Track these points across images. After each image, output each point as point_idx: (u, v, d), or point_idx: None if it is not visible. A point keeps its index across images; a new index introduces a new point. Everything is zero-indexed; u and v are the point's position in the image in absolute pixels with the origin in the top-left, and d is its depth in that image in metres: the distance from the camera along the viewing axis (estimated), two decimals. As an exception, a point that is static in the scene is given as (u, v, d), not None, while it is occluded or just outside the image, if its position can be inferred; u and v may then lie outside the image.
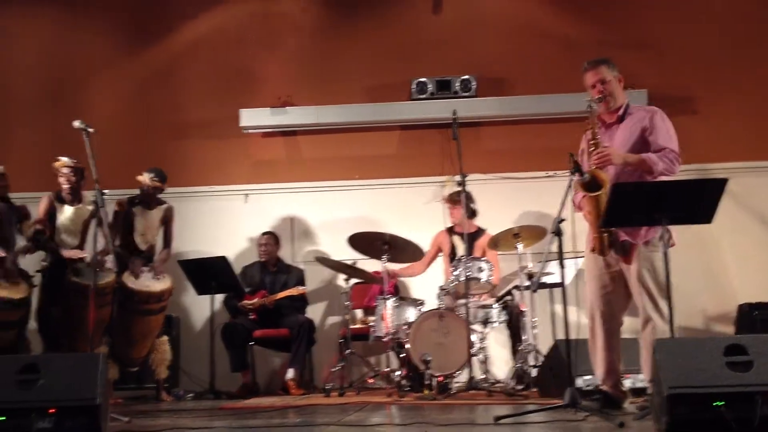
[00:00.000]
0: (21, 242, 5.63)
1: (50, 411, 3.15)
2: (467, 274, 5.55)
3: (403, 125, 7.24)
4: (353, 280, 6.18)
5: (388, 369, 5.70)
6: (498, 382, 5.62)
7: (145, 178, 6.01)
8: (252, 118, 7.16)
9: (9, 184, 5.45)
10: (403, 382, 5.40)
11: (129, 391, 6.18)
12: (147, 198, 6.08)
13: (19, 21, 7.48)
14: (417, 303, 5.91)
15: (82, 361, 3.39)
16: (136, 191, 6.11)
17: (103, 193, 4.50)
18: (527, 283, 5.70)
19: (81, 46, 7.46)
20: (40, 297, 5.52)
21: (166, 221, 6.19)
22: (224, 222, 7.19)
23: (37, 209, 5.70)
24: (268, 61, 7.40)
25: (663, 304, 3.87)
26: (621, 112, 4.18)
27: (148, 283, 5.84)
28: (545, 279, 5.72)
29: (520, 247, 5.78)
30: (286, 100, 7.20)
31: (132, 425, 3.86)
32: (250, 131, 7.24)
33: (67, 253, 5.53)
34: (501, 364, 6.25)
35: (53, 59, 7.45)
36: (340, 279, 6.25)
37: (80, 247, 5.73)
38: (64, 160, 5.68)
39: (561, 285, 4.10)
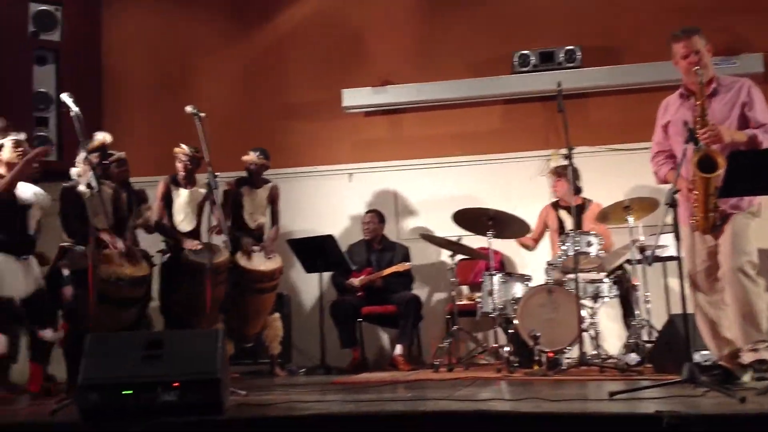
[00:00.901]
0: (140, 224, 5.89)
1: (174, 384, 3.27)
2: (576, 248, 5.45)
3: (506, 99, 7.14)
4: (458, 257, 6.17)
5: (497, 345, 5.68)
6: (610, 357, 5.51)
7: (251, 156, 6.18)
8: (354, 97, 7.22)
9: (129, 169, 5.68)
10: (512, 357, 5.37)
11: (244, 366, 6.37)
12: (253, 177, 6.24)
13: (133, 13, 7.75)
14: (524, 278, 5.85)
15: (202, 337, 3.53)
16: (243, 173, 6.28)
17: (216, 176, 4.64)
18: (639, 257, 5.56)
19: (190, 34, 7.69)
20: (161, 276, 5.76)
21: (273, 200, 6.35)
22: (329, 201, 7.30)
23: (155, 193, 5.94)
24: (369, 41, 7.42)
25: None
26: (714, 84, 4.02)
27: (260, 262, 6.01)
28: (659, 252, 5.56)
29: (631, 220, 5.63)
30: (387, 78, 7.22)
31: (250, 399, 3.98)
32: (352, 111, 7.30)
33: (186, 245, 5.75)
34: (613, 340, 6.12)
35: (165, 48, 7.71)
36: (446, 255, 6.26)
37: (197, 228, 5.94)
38: (185, 147, 5.88)
39: (677, 258, 3.99)
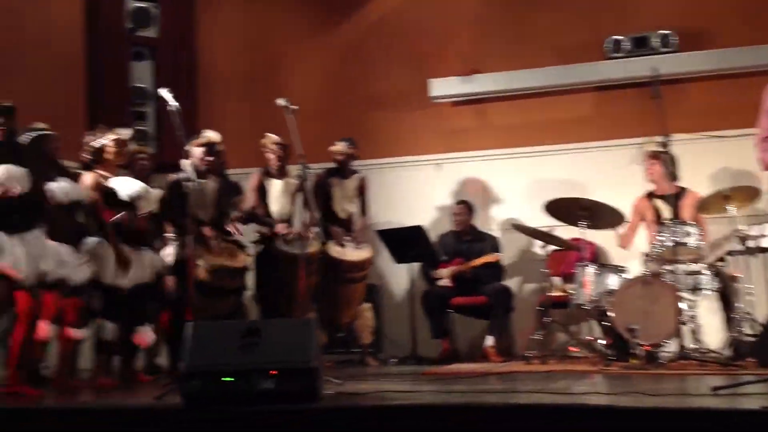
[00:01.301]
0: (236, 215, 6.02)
1: (271, 372, 3.33)
2: (674, 238, 5.28)
3: (598, 86, 6.98)
4: (550, 247, 6.08)
5: (591, 337, 5.58)
6: (710, 351, 5.33)
7: (339, 147, 6.24)
8: (441, 87, 7.18)
9: (226, 161, 5.80)
10: (607, 350, 5.26)
11: (336, 356, 6.44)
12: (342, 168, 6.29)
13: (225, 8, 7.91)
14: (619, 270, 5.71)
15: (297, 326, 3.58)
16: (332, 164, 6.33)
17: (307, 167, 4.70)
18: (740, 248, 5.35)
19: (280, 27, 7.80)
20: (255, 266, 5.87)
21: (362, 190, 6.40)
22: (417, 191, 7.30)
23: (248, 184, 6.06)
24: (457, 29, 7.37)
25: None
26: None
27: (351, 252, 6.07)
28: (764, 243, 5.33)
29: (732, 209, 5.43)
30: (475, 67, 7.16)
31: (344, 387, 4.02)
32: (439, 101, 7.27)
33: (279, 228, 5.84)
34: (714, 333, 5.92)
35: (256, 42, 7.84)
36: (537, 246, 6.17)
37: (289, 219, 6.04)
38: (272, 136, 5.98)
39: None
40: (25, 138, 4.55)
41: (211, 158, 5.44)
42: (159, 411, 3.50)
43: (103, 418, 3.49)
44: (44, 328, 4.59)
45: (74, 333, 4.86)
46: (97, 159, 4.99)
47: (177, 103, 4.37)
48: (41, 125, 4.79)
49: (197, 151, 5.14)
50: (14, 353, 4.32)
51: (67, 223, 4.65)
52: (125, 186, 4.93)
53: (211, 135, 5.37)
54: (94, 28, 7.12)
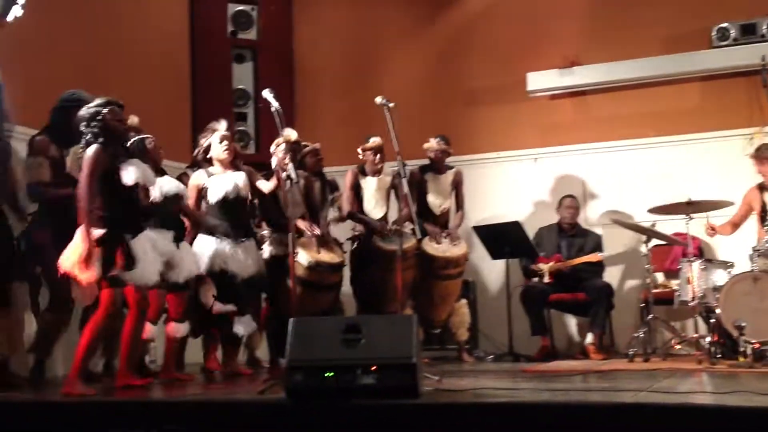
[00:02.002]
0: (333, 213, 6.12)
1: (372, 368, 3.37)
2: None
3: (704, 76, 6.74)
4: (653, 242, 5.92)
5: (697, 335, 5.41)
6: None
7: (433, 143, 6.24)
8: (539, 81, 7.08)
9: (323, 158, 5.88)
10: (714, 348, 5.09)
11: (432, 352, 6.45)
12: (437, 164, 6.30)
13: (322, 8, 8.01)
14: (726, 265, 5.52)
15: (397, 322, 3.61)
16: (426, 161, 6.35)
17: (405, 165, 4.72)
18: None
19: (376, 25, 7.85)
20: (351, 262, 5.95)
21: (457, 185, 6.38)
22: (514, 186, 7.23)
23: (344, 182, 6.14)
24: (555, 21, 7.24)
25: None
26: None
27: (447, 248, 6.06)
28: None
29: None
30: (574, 59, 7.03)
31: (443, 384, 4.03)
32: (537, 94, 7.17)
33: (374, 225, 5.89)
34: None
35: (353, 40, 7.92)
36: (639, 241, 6.02)
37: (385, 215, 6.09)
38: (369, 143, 6.00)
39: None
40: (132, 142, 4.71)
41: (297, 155, 5.51)
42: (263, 405, 3.60)
43: (209, 411, 3.62)
44: (148, 327, 4.77)
45: (176, 328, 5.03)
46: (207, 157, 5.16)
47: (278, 104, 4.47)
48: (136, 120, 4.94)
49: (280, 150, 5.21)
50: (124, 348, 4.50)
51: (169, 220, 4.83)
52: (221, 184, 5.08)
53: (287, 134, 5.45)
54: (198, 32, 7.37)
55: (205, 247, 5.02)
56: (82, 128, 4.26)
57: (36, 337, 4.98)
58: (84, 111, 4.29)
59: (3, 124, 3.46)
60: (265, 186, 5.20)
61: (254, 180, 5.25)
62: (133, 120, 4.83)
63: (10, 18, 5.10)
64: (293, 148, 5.31)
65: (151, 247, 4.38)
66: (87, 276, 4.07)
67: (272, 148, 5.30)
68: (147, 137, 4.85)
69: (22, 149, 5.05)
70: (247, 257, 5.09)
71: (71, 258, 4.09)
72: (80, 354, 4.23)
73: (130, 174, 4.26)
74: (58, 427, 3.70)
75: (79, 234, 4.08)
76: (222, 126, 5.29)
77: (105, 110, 4.25)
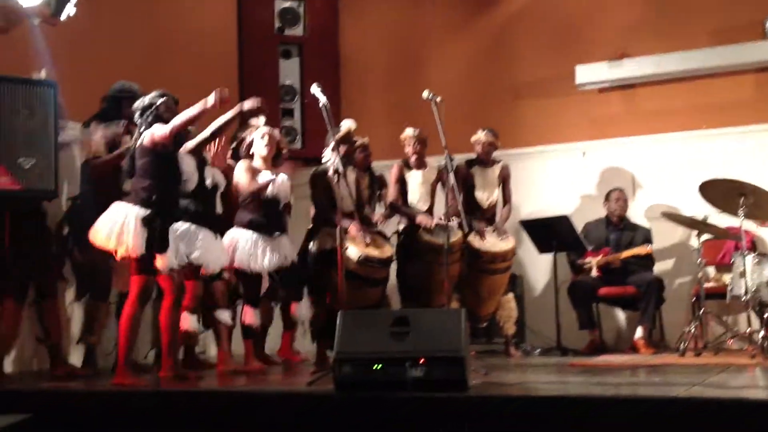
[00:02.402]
0: (381, 209, 6.14)
1: (421, 361, 3.39)
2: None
3: (759, 67, 6.57)
4: (704, 236, 5.81)
5: (749, 329, 5.31)
6: None
7: (479, 136, 6.22)
8: (588, 74, 6.98)
9: (371, 153, 5.90)
10: (767, 343, 4.98)
11: (479, 346, 6.42)
12: (484, 157, 6.27)
13: (368, 3, 8.00)
14: (781, 259, 5.40)
15: (446, 316, 3.62)
16: (472, 155, 6.32)
17: (451, 158, 4.71)
18: None
19: (423, 18, 7.81)
20: (397, 256, 5.95)
21: (504, 179, 6.34)
22: (561, 180, 7.15)
23: (389, 177, 6.15)
24: (604, 13, 7.13)
25: None
26: None
27: (494, 243, 6.03)
28: None
29: None
30: (624, 51, 6.93)
31: (490, 377, 4.02)
32: (586, 87, 7.09)
33: (420, 220, 5.89)
34: None
35: (399, 34, 7.89)
36: (690, 235, 5.92)
37: (430, 209, 6.08)
38: (409, 132, 6.02)
39: None
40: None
41: (351, 149, 5.54)
42: (311, 396, 3.64)
43: (259, 401, 3.67)
44: (187, 319, 4.83)
45: (221, 315, 5.10)
46: (250, 153, 5.22)
47: (326, 99, 4.50)
48: None
49: (340, 144, 5.27)
50: (165, 337, 4.55)
51: (208, 211, 4.91)
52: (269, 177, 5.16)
53: (349, 125, 5.47)
54: (246, 28, 7.45)
55: (238, 240, 5.09)
56: (136, 118, 4.37)
57: (83, 326, 5.11)
58: (139, 102, 4.42)
59: (58, 121, 3.56)
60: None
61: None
62: None
63: (63, 17, 5.22)
64: (346, 142, 5.35)
65: (184, 234, 4.48)
66: (122, 251, 4.16)
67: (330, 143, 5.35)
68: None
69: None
70: (277, 252, 5.14)
71: (103, 232, 4.18)
72: (121, 344, 4.33)
73: (185, 164, 4.37)
74: (111, 416, 3.78)
75: (118, 209, 4.19)
76: (261, 121, 5.34)
77: (160, 102, 4.37)
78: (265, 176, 5.16)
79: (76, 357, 5.37)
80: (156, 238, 4.24)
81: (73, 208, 5.03)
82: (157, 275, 4.34)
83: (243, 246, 5.07)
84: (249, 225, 5.14)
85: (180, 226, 4.53)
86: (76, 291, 5.25)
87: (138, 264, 4.23)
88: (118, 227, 4.16)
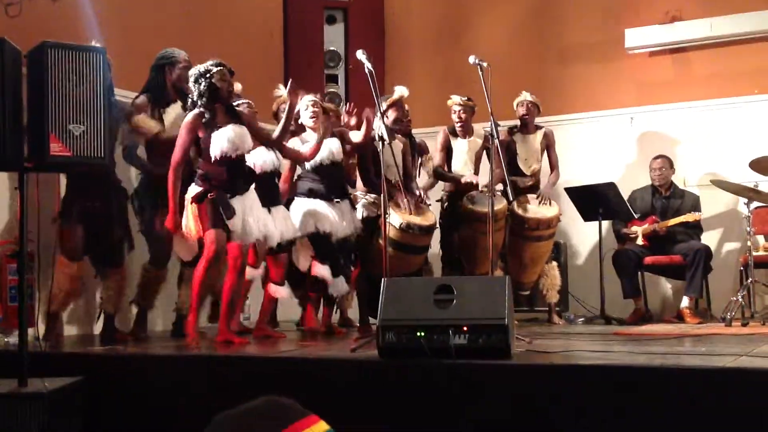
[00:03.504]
0: (422, 175, 6.12)
1: (464, 328, 3.39)
2: None
3: (816, 30, 6.39)
4: (755, 204, 5.70)
5: (799, 300, 5.22)
6: None
7: (526, 96, 6.16)
8: (638, 37, 6.85)
9: (411, 120, 5.87)
10: (818, 314, 4.90)
11: (522, 314, 6.40)
12: (526, 121, 6.21)
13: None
14: (834, 229, 5.28)
15: (490, 284, 3.62)
16: (515, 122, 6.26)
17: (498, 125, 4.67)
18: None
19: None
20: (441, 224, 5.95)
21: (548, 145, 6.28)
22: (609, 146, 7.06)
23: (435, 143, 6.12)
24: (655, -24, 6.99)
25: None
26: None
27: (538, 209, 5.99)
28: None
29: None
30: (675, 14, 6.76)
31: (534, 345, 4.02)
32: (636, 51, 6.94)
33: (466, 179, 5.87)
34: None
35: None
36: (740, 203, 5.81)
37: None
38: (457, 97, 5.98)
39: None
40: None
41: (401, 116, 5.51)
42: (355, 363, 3.67)
43: (303, 368, 3.72)
44: (249, 271, 4.90)
45: (276, 290, 5.15)
46: (299, 123, 5.23)
47: (371, 65, 4.48)
48: (240, 87, 5.08)
49: (389, 111, 5.26)
50: (224, 306, 4.66)
51: (267, 187, 4.94)
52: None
53: (401, 91, 5.45)
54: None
55: (302, 208, 5.12)
56: (191, 85, 4.42)
57: (138, 290, 5.22)
58: (194, 69, 4.45)
59: (106, 86, 3.60)
60: (356, 137, 5.24)
61: (347, 140, 5.29)
62: (237, 87, 4.96)
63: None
64: (398, 108, 5.34)
65: (250, 207, 4.52)
66: (190, 233, 4.31)
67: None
68: (249, 103, 4.99)
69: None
70: (342, 218, 5.17)
71: (173, 220, 4.32)
72: (193, 302, 4.48)
73: (217, 142, 4.39)
74: (164, 379, 3.87)
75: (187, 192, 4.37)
76: (283, 91, 5.32)
77: (214, 70, 4.40)
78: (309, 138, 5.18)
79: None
80: (215, 210, 4.34)
81: (141, 181, 5.18)
82: (227, 231, 4.41)
83: (314, 209, 5.11)
84: (309, 194, 5.18)
85: (246, 199, 4.57)
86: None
87: (208, 220, 4.35)
88: (185, 211, 4.36)
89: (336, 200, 5.20)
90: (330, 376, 3.57)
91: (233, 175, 4.48)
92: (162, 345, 4.87)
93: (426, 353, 3.36)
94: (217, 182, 4.41)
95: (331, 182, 5.21)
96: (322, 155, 5.12)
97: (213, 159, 4.42)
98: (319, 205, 5.13)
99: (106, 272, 5.06)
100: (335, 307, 5.71)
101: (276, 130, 4.82)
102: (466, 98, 5.96)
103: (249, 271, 4.91)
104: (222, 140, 4.40)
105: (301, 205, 5.15)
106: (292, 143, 5.11)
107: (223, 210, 4.39)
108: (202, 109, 4.44)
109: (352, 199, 5.37)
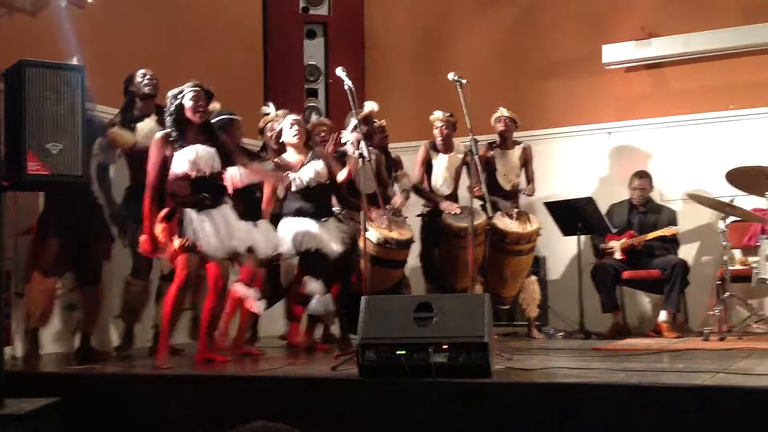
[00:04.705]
0: (397, 190, 6.13)
1: (444, 346, 3.40)
2: None
3: (789, 47, 6.48)
4: (730, 219, 5.76)
5: (776, 314, 5.27)
6: None
7: (502, 111, 6.21)
8: (615, 53, 6.91)
9: (388, 135, 5.89)
10: (794, 329, 4.96)
11: (501, 328, 6.42)
12: (505, 137, 6.25)
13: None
14: (808, 243, 5.34)
15: (470, 301, 3.63)
16: (494, 137, 6.30)
17: (477, 141, 4.70)
18: None
19: (448, -1, 7.79)
20: (421, 239, 5.96)
21: (526, 160, 6.33)
22: (586, 161, 7.11)
23: (415, 158, 6.14)
24: (632, -9, 7.06)
25: None
26: None
27: (518, 224, 6.02)
28: None
29: None
30: (652, 31, 6.84)
31: (513, 363, 4.03)
32: (613, 66, 7.01)
33: (444, 206, 5.89)
34: None
35: (423, 15, 7.83)
36: (716, 217, 5.87)
37: (454, 193, 6.07)
38: (440, 114, 6.00)
39: None
40: (216, 121, 4.83)
41: (371, 130, 5.53)
42: (336, 381, 3.67)
43: (284, 386, 3.71)
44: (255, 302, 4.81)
45: (254, 305, 5.12)
46: (280, 142, 5.25)
47: (350, 82, 4.50)
48: (218, 106, 5.08)
49: (361, 126, 5.27)
50: (204, 323, 4.64)
51: (246, 203, 4.93)
52: (303, 173, 5.19)
53: (371, 106, 5.49)
54: (271, 8, 7.43)
55: (292, 227, 5.14)
56: (168, 103, 4.44)
57: (123, 304, 5.19)
58: (170, 92, 4.46)
59: (86, 105, 3.59)
60: (341, 176, 5.26)
61: (332, 167, 5.31)
62: (216, 107, 4.96)
63: (90, -1, 5.25)
64: (367, 123, 5.35)
65: (223, 223, 4.50)
66: (165, 251, 4.28)
67: (350, 125, 5.35)
68: (234, 117, 4.99)
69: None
70: (330, 237, 5.19)
71: (147, 240, 4.31)
72: (164, 324, 4.43)
73: (178, 161, 4.40)
74: (143, 398, 3.85)
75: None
76: (271, 108, 5.36)
77: (186, 91, 4.41)
78: (301, 172, 5.18)
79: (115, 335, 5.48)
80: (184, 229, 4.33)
81: (125, 194, 5.20)
82: (197, 253, 4.40)
83: (307, 229, 5.13)
84: (297, 213, 5.20)
85: (215, 215, 4.54)
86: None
87: (179, 248, 4.32)
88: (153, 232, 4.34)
89: (323, 220, 5.24)
90: (311, 395, 3.56)
91: (197, 191, 4.46)
92: (141, 363, 4.83)
93: (406, 372, 3.37)
94: (181, 198, 4.40)
95: (318, 203, 5.26)
96: (309, 177, 5.15)
97: (175, 177, 4.41)
98: (309, 224, 5.15)
99: (83, 289, 5.02)
100: (319, 323, 5.70)
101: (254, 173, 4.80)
102: (449, 114, 5.98)
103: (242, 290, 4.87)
104: (182, 160, 4.41)
105: (291, 224, 5.17)
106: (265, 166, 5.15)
107: (181, 228, 4.37)
108: (168, 129, 4.46)
109: (337, 217, 5.39)
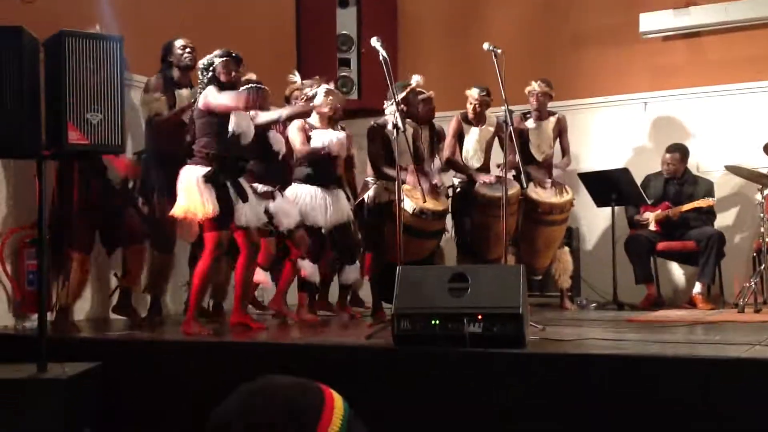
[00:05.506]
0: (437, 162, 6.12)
1: (478, 317, 3.42)
2: None
3: (832, 15, 6.34)
4: (767, 190, 5.68)
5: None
6: None
7: (534, 86, 6.13)
8: (652, 22, 6.78)
9: (434, 107, 5.85)
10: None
11: (533, 298, 6.39)
12: (538, 109, 6.19)
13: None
14: None
15: (505, 272, 3.64)
16: (529, 107, 6.25)
17: (512, 111, 4.67)
18: None
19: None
20: (453, 210, 5.95)
21: (560, 131, 6.26)
22: (622, 132, 7.03)
23: (448, 130, 6.11)
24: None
25: None
26: None
27: (551, 194, 5.99)
28: None
29: None
30: (690, -1, 6.72)
31: (547, 333, 4.03)
32: (650, 36, 6.90)
33: (479, 178, 5.87)
34: None
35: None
36: (753, 189, 5.80)
37: (485, 165, 6.04)
38: (474, 93, 5.92)
39: None
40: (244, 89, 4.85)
41: (413, 103, 5.52)
42: (370, 350, 3.71)
43: (318, 354, 3.75)
44: (261, 274, 4.96)
45: (261, 276, 5.18)
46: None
47: (385, 52, 4.48)
48: (254, 77, 5.09)
49: (402, 98, 5.26)
50: (237, 289, 4.70)
51: (268, 166, 4.99)
52: (320, 139, 5.22)
53: (417, 80, 5.48)
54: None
55: (298, 196, 5.18)
56: (200, 75, 4.48)
57: (148, 277, 5.27)
58: (201, 61, 4.51)
59: (123, 74, 3.63)
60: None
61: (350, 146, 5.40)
62: (251, 77, 5.00)
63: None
64: (414, 95, 5.36)
65: (252, 192, 4.58)
66: (202, 214, 4.31)
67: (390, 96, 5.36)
68: (261, 87, 5.00)
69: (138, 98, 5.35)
70: (330, 206, 5.23)
71: (181, 203, 4.35)
72: (193, 296, 4.50)
73: (233, 122, 4.44)
74: (175, 365, 3.92)
75: (184, 175, 4.36)
76: (297, 77, 5.54)
77: (217, 62, 4.43)
78: (318, 136, 5.19)
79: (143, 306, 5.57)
80: (224, 193, 4.35)
81: (138, 163, 5.18)
82: (231, 231, 4.46)
83: (306, 201, 5.16)
84: (307, 179, 5.22)
85: (246, 184, 4.63)
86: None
87: (212, 221, 4.35)
88: (189, 193, 4.33)
89: (333, 186, 5.31)
90: (345, 364, 3.60)
91: (237, 158, 4.53)
92: (177, 330, 4.91)
93: (441, 341, 3.39)
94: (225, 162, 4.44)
95: (326, 169, 5.30)
96: (324, 144, 5.16)
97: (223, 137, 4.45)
98: (313, 194, 5.19)
99: (127, 249, 5.08)
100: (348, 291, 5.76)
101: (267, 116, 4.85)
102: (484, 93, 5.92)
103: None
104: (233, 125, 4.47)
105: (301, 191, 5.21)
106: (316, 136, 5.19)
107: (239, 194, 4.43)
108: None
109: (345, 190, 5.46)
